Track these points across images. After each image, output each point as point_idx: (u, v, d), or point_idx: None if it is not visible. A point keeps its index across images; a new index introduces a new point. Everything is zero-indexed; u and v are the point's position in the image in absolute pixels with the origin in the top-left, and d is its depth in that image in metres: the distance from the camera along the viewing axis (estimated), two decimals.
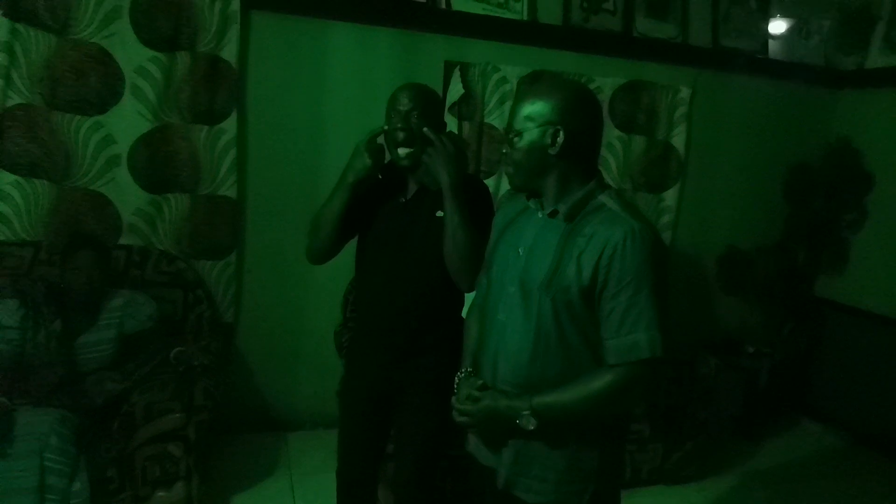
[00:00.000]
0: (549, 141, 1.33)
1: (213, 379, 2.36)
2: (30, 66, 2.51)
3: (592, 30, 3.22)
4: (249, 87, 2.84)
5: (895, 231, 3.50)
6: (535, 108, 1.34)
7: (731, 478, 3.09)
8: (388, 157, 1.76)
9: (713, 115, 3.55)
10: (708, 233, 3.70)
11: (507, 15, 3.07)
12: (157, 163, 2.74)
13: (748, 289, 3.66)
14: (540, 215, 1.41)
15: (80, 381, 2.25)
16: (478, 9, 3.02)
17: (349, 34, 2.91)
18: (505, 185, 3.08)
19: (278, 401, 3.13)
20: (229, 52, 2.74)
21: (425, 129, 1.68)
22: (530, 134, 1.34)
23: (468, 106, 3.11)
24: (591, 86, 3.23)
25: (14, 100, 2.52)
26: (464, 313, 1.74)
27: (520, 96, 1.41)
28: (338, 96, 2.95)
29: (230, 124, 2.79)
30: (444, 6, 2.98)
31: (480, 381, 1.43)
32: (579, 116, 1.34)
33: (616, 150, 3.39)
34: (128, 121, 2.66)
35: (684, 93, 3.42)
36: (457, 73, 3.05)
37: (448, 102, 3.05)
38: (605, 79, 3.28)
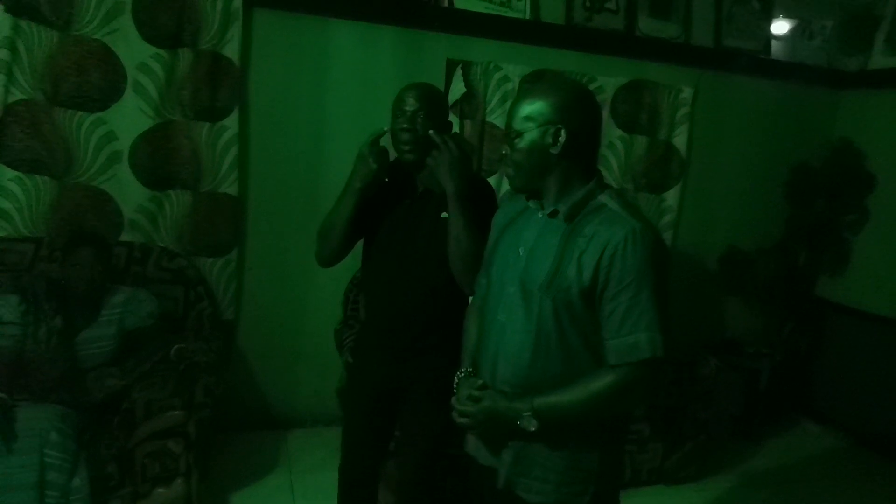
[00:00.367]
0: (550, 141, 1.32)
1: (213, 376, 2.35)
2: (32, 62, 2.51)
3: (595, 29, 3.21)
4: (251, 85, 2.84)
5: None
6: (534, 108, 1.33)
7: (731, 478, 3.09)
8: (392, 156, 1.76)
9: (715, 115, 3.54)
10: (709, 233, 3.70)
11: (510, 14, 3.06)
12: (158, 160, 2.74)
13: (749, 289, 3.65)
14: (540, 215, 1.40)
15: (81, 378, 2.25)
16: (480, 7, 3.01)
17: (351, 32, 2.91)
18: (506, 184, 3.07)
19: (278, 398, 3.13)
20: (231, 50, 2.73)
21: (431, 132, 1.68)
22: (531, 134, 1.34)
23: (470, 105, 3.11)
24: (593, 85, 3.22)
25: (16, 96, 2.52)
26: None
27: (518, 97, 1.40)
28: (339, 94, 2.94)
29: (232, 122, 2.79)
30: (446, 4, 2.97)
31: (480, 381, 1.43)
32: (579, 115, 1.34)
33: (618, 149, 3.38)
34: (129, 117, 2.65)
35: (686, 93, 3.41)
36: (459, 72, 3.05)
37: (450, 101, 3.04)
38: (608, 78, 3.27)
